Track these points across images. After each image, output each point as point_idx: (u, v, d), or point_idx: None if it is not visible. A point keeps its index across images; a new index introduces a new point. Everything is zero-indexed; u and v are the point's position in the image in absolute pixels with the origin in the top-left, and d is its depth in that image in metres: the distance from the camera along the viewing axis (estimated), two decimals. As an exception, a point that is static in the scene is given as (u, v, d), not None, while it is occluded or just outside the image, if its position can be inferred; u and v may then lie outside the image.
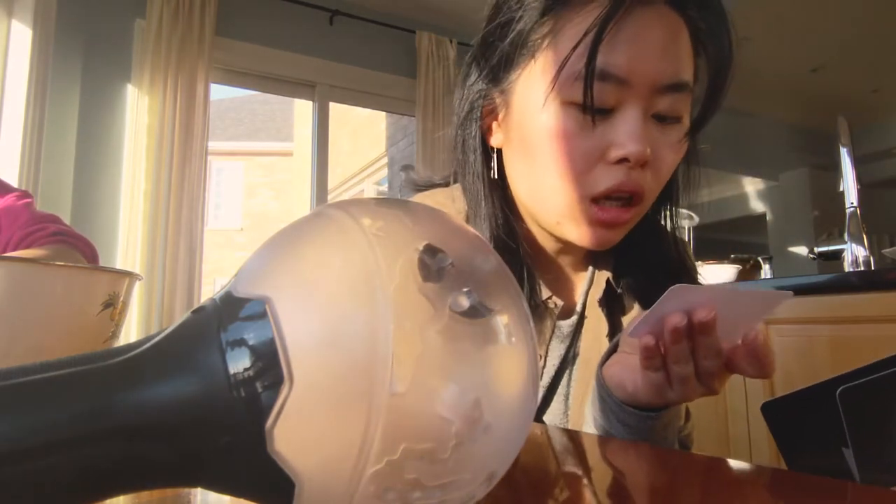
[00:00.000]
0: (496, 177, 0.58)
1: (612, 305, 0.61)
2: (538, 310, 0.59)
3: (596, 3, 0.47)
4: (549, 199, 0.52)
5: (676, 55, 0.48)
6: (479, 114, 0.56)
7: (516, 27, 0.51)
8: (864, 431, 0.38)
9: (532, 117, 0.50)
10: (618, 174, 0.48)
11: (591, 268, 0.63)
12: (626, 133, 0.47)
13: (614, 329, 0.60)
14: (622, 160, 0.47)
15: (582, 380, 0.60)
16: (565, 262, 0.62)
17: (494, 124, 0.57)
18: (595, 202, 0.50)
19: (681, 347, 0.39)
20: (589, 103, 0.46)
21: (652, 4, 0.47)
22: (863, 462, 0.38)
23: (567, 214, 0.51)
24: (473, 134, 0.57)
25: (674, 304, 0.37)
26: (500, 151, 0.57)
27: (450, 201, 0.63)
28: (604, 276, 0.61)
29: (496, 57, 0.53)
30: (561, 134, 0.48)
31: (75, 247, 0.90)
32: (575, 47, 0.46)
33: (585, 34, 0.45)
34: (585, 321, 0.61)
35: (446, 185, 0.68)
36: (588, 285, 0.63)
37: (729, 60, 0.49)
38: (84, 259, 0.91)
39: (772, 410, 0.43)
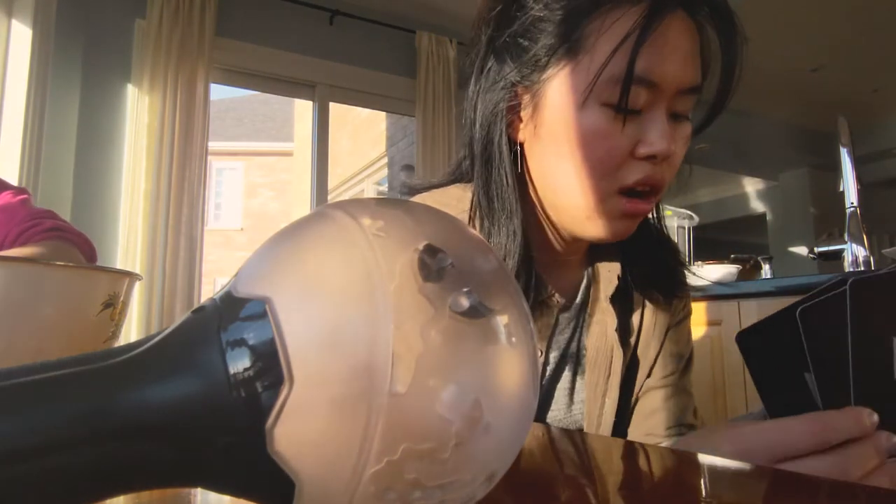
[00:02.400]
0: (520, 172, 0.57)
1: (622, 302, 0.63)
2: (542, 306, 0.60)
3: (630, 7, 0.49)
4: (580, 194, 0.53)
5: (695, 60, 0.51)
6: (504, 109, 0.56)
7: (550, 27, 0.52)
8: (823, 352, 0.38)
9: (567, 116, 0.51)
10: (644, 168, 0.51)
11: (590, 262, 0.65)
12: (654, 132, 0.50)
13: (623, 325, 0.63)
14: (650, 157, 0.51)
15: (592, 377, 0.62)
16: (564, 256, 0.64)
17: (519, 119, 0.57)
18: (622, 194, 0.52)
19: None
20: (624, 105, 0.49)
21: (675, 12, 0.50)
22: (822, 385, 0.38)
23: (597, 209, 0.53)
24: (500, 130, 0.56)
25: None
26: (521, 147, 0.57)
27: (454, 201, 0.62)
28: (613, 272, 0.63)
29: (528, 55, 0.53)
30: (596, 133, 0.50)
31: (72, 242, 0.89)
32: (614, 51, 0.48)
33: (624, 39, 0.48)
34: (589, 317, 0.63)
35: (447, 184, 0.68)
36: (587, 279, 0.65)
37: (738, 68, 0.52)
38: (81, 254, 0.90)
39: (746, 340, 0.42)
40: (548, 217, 0.59)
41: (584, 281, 0.65)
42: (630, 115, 0.50)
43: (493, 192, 0.57)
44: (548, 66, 0.52)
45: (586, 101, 0.50)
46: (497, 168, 0.56)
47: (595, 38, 0.49)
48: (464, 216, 0.61)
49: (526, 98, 0.55)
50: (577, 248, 0.63)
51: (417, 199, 0.65)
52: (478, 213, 0.58)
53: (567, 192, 0.54)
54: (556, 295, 0.62)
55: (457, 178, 0.68)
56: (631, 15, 0.48)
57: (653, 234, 0.63)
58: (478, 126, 0.57)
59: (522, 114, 0.56)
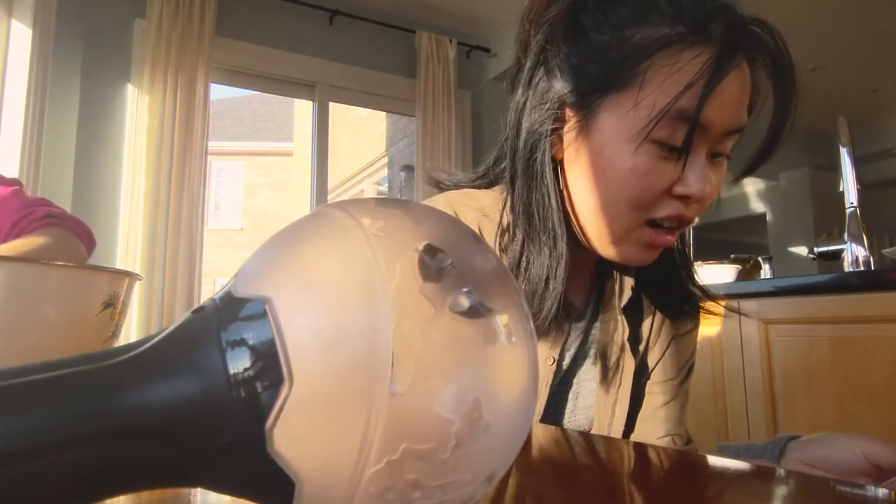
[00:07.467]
0: (559, 189, 0.56)
1: (633, 310, 0.64)
2: (564, 313, 0.60)
3: (700, 50, 0.48)
4: (609, 222, 0.53)
5: (745, 104, 0.51)
6: (549, 129, 0.54)
7: (616, 55, 0.50)
8: None
9: (616, 148, 0.51)
10: (677, 206, 0.52)
11: (603, 269, 0.66)
12: (693, 174, 0.50)
13: (634, 335, 0.64)
14: (684, 196, 0.51)
15: (603, 388, 0.63)
16: (580, 267, 0.64)
17: (560, 140, 0.55)
18: (649, 225, 0.53)
19: None
20: (685, 148, 0.49)
21: (740, 60, 0.49)
22: None
23: (624, 236, 0.54)
24: (544, 149, 0.55)
25: None
26: (560, 163, 0.56)
27: (473, 202, 0.63)
28: (627, 282, 0.63)
29: (585, 78, 0.52)
30: (642, 169, 0.50)
31: (68, 229, 0.88)
32: (680, 94, 0.47)
33: (690, 85, 0.47)
34: (605, 324, 0.64)
35: (476, 187, 0.67)
36: (598, 288, 0.66)
37: (790, 123, 0.52)
38: (78, 240, 0.89)
39: None
40: (579, 231, 0.58)
41: (596, 289, 0.66)
42: (679, 154, 0.49)
43: (535, 210, 0.56)
44: (606, 94, 0.51)
45: (638, 137, 0.49)
46: (539, 187, 0.56)
47: (663, 76, 0.48)
48: (486, 221, 0.61)
49: (573, 120, 0.54)
50: (596, 257, 0.63)
51: (440, 198, 0.64)
52: (517, 224, 0.58)
53: (597, 217, 0.54)
54: (574, 302, 0.63)
55: (486, 183, 0.67)
56: (700, 59, 0.47)
57: (673, 255, 0.62)
58: (521, 142, 0.56)
59: (566, 135, 0.54)
